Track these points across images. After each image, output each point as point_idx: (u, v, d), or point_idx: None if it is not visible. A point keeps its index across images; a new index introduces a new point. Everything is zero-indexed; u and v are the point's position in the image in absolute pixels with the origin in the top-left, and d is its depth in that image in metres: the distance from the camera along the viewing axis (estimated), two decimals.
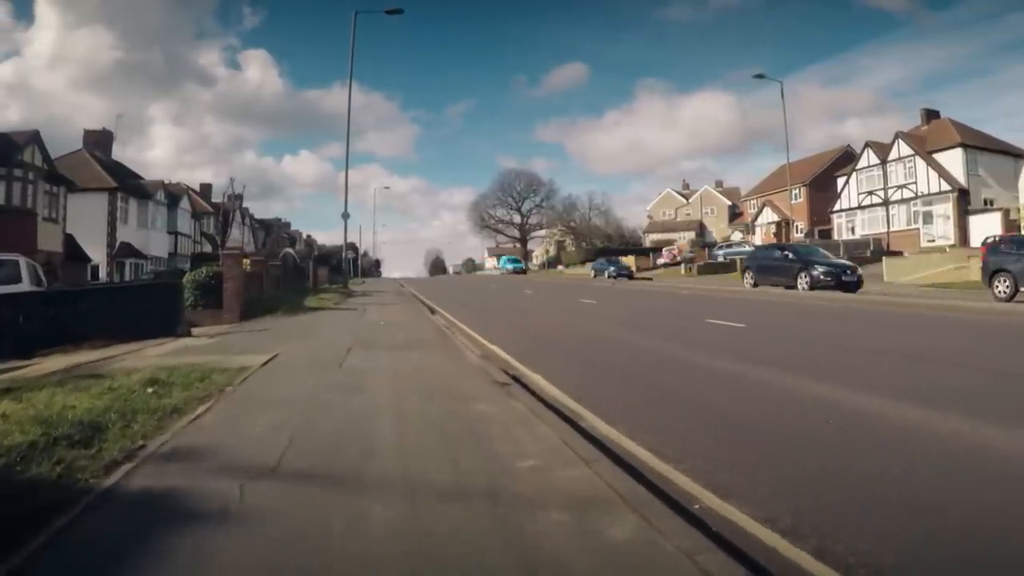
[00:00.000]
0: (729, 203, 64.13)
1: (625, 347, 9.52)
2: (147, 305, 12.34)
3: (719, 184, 67.59)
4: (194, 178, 70.52)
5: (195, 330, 13.57)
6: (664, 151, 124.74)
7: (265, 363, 7.73)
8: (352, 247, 49.51)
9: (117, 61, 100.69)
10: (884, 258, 33.65)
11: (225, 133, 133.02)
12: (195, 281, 15.93)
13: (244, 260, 18.10)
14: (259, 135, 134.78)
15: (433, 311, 16.37)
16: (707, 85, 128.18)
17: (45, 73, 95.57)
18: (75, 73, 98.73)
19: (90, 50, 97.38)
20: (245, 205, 51.33)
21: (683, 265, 42.51)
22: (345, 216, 23.84)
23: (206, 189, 46.90)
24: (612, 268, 43.81)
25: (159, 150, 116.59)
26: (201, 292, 15.87)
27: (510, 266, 64.86)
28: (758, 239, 50.81)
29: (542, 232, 69.55)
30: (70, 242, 29.47)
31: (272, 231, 60.33)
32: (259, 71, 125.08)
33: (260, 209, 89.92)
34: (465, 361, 8.15)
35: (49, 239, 26.94)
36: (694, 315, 14.04)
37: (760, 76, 36.14)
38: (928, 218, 42.06)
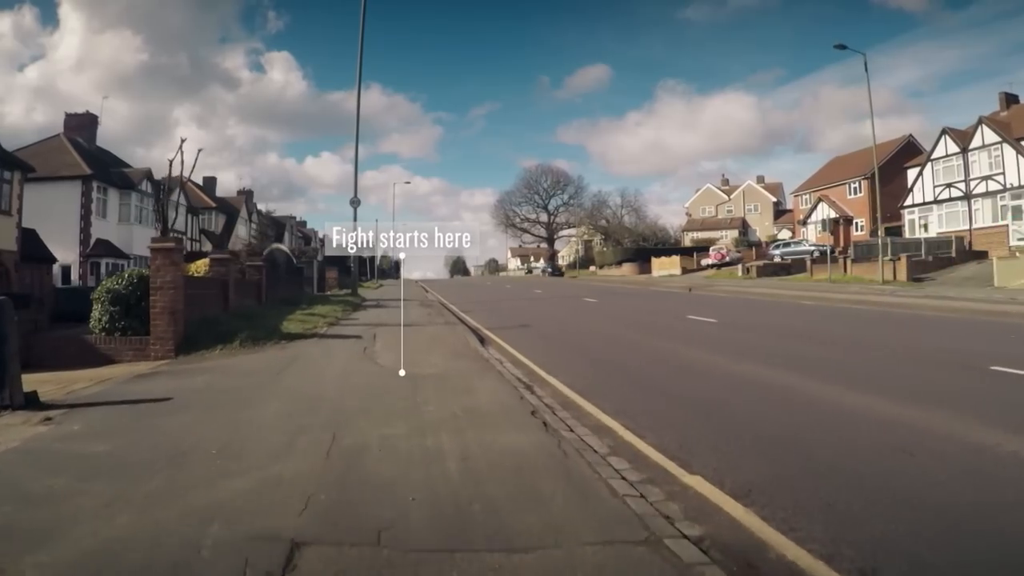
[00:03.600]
0: (774, 199, 56.82)
1: None
2: None
3: (760, 179, 60.19)
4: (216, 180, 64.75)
5: (78, 377, 7.37)
6: (684, 152, 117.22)
7: None
8: None
9: (142, 64, 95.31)
10: (995, 259, 27.02)
11: (248, 135, 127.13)
12: (112, 293, 9.61)
13: (197, 261, 11.76)
14: (282, 137, 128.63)
15: (483, 338, 9.89)
16: (728, 86, 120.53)
17: (71, 76, 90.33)
18: (100, 76, 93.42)
19: (115, 53, 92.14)
20: (255, 201, 45.20)
21: (740, 267, 35.79)
22: (354, 203, 17.61)
23: (209, 182, 40.62)
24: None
25: (184, 152, 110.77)
26: (123, 310, 9.55)
27: None
28: (811, 236, 43.84)
29: (570, 231, 62.51)
30: (29, 239, 23.34)
31: (289, 229, 54.14)
32: (282, 73, 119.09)
33: (281, 210, 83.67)
34: None
35: None
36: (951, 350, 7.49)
37: (841, 47, 29.20)
38: (1017, 213, 35.00)
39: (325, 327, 10.54)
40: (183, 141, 11.54)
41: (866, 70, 28.77)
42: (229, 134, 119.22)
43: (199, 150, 10.95)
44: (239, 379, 6.41)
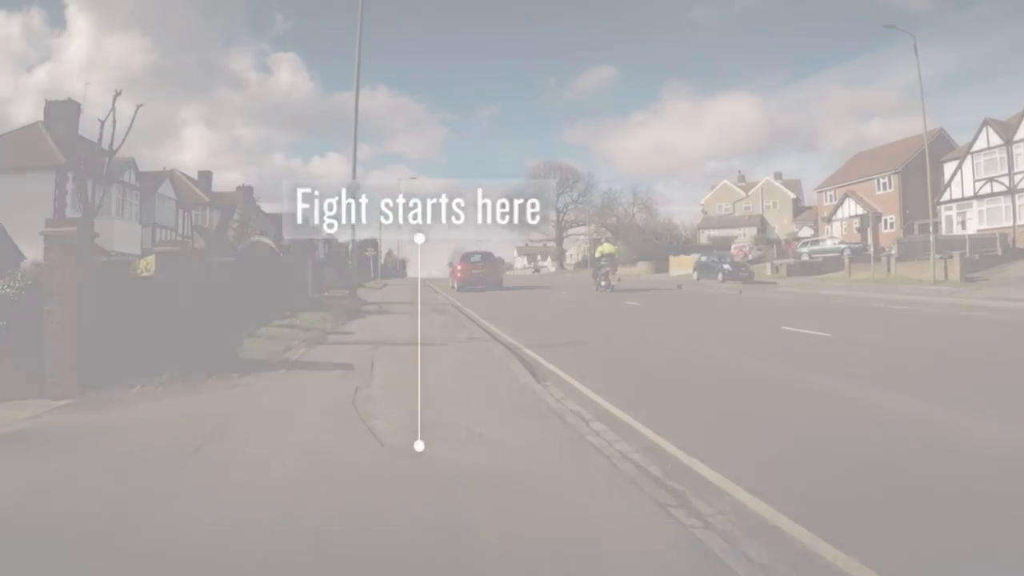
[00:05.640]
0: (793, 196, 53.38)
1: None
2: None
3: (779, 176, 56.72)
4: (223, 180, 61.33)
5: None
6: (689, 152, 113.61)
7: None
8: (372, 244, 39.69)
9: (150, 66, 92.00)
10: None
11: (255, 135, 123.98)
12: None
13: (148, 257, 8.71)
14: (288, 137, 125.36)
15: (527, 362, 6.62)
16: (732, 87, 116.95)
17: (78, 77, 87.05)
18: (108, 77, 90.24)
19: (123, 55, 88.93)
20: (256, 199, 41.91)
21: (768, 265, 32.62)
22: (352, 189, 14.65)
23: (204, 177, 37.38)
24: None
25: (191, 153, 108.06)
26: (11, 325, 6.36)
27: None
28: (837, 234, 40.59)
29: (580, 229, 59.05)
30: None
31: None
32: (289, 75, 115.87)
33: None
34: None
35: None
36: None
37: (891, 26, 26.11)
38: None
39: (303, 348, 7.31)
40: (118, 94, 8.29)
41: (916, 54, 25.64)
42: (236, 135, 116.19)
43: (138, 106, 8.38)
44: (106, 477, 3.21)
